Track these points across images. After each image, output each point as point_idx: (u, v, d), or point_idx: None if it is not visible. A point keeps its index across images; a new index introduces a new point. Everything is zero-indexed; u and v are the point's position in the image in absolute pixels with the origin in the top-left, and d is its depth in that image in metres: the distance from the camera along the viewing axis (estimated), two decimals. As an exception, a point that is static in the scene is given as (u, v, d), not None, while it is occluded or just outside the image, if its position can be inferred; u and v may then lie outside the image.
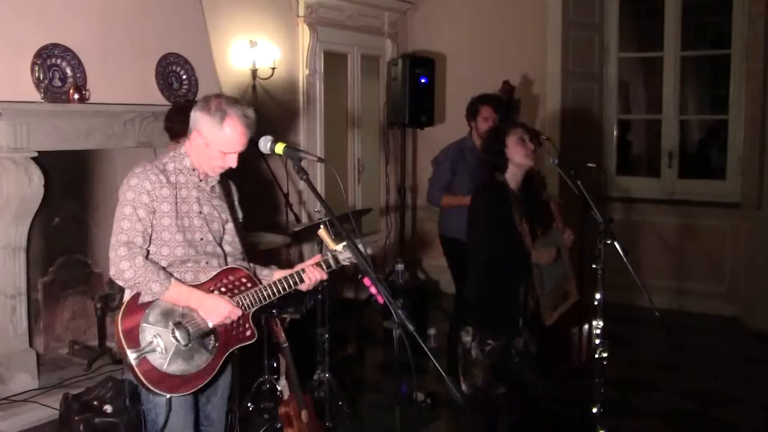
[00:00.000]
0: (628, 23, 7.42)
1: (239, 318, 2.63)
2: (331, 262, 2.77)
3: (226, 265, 2.72)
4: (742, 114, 6.64)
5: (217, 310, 2.56)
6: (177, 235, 2.62)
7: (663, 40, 7.00)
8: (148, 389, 2.48)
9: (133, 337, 2.46)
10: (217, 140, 2.60)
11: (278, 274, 2.77)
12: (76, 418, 3.80)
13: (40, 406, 4.15)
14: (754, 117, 6.37)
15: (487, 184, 3.46)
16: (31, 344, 4.45)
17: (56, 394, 4.16)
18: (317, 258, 2.80)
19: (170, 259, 2.61)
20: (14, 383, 4.24)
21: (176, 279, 2.57)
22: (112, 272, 2.54)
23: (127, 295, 2.59)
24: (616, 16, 7.18)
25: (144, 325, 2.48)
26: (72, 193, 4.89)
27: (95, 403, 3.85)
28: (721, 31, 7.08)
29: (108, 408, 3.81)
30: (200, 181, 2.70)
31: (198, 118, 2.63)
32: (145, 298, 2.51)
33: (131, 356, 2.43)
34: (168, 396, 2.52)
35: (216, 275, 2.64)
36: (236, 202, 2.85)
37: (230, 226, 2.78)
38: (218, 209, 2.74)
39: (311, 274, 2.74)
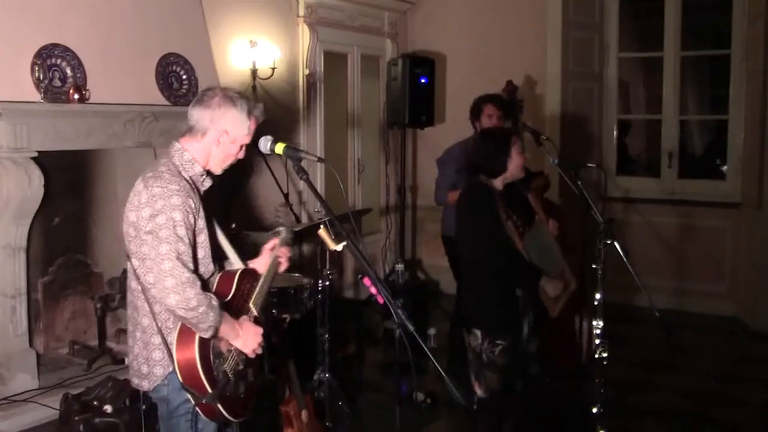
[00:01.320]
0: (628, 23, 7.41)
1: None
2: (285, 236, 2.75)
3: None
4: (742, 114, 6.63)
5: (256, 340, 2.45)
6: (208, 251, 2.46)
7: (663, 40, 6.99)
8: (227, 420, 2.38)
9: (209, 374, 2.31)
10: (242, 134, 2.47)
11: (254, 263, 2.70)
12: (76, 418, 3.79)
13: (40, 406, 4.14)
14: (754, 117, 6.36)
15: (471, 188, 3.45)
16: (31, 344, 4.45)
17: (56, 394, 4.15)
18: (273, 242, 2.75)
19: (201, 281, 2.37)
20: (14, 383, 4.23)
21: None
22: (173, 302, 2.22)
23: (172, 330, 2.35)
24: (616, 16, 7.17)
25: (215, 360, 2.34)
26: (72, 193, 4.88)
27: (95, 403, 3.85)
28: (721, 31, 7.06)
29: (108, 408, 3.81)
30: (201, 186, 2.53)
31: (221, 116, 2.43)
32: (205, 334, 2.30)
33: (215, 394, 2.29)
34: (236, 421, 2.46)
35: (238, 283, 2.50)
36: None
37: None
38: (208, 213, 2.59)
39: (284, 257, 2.73)
